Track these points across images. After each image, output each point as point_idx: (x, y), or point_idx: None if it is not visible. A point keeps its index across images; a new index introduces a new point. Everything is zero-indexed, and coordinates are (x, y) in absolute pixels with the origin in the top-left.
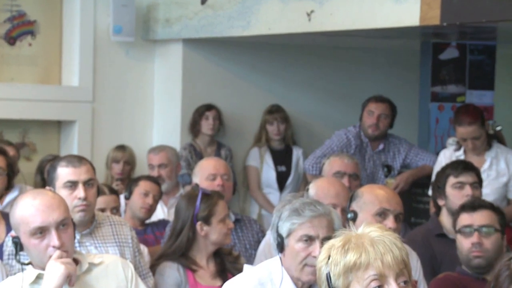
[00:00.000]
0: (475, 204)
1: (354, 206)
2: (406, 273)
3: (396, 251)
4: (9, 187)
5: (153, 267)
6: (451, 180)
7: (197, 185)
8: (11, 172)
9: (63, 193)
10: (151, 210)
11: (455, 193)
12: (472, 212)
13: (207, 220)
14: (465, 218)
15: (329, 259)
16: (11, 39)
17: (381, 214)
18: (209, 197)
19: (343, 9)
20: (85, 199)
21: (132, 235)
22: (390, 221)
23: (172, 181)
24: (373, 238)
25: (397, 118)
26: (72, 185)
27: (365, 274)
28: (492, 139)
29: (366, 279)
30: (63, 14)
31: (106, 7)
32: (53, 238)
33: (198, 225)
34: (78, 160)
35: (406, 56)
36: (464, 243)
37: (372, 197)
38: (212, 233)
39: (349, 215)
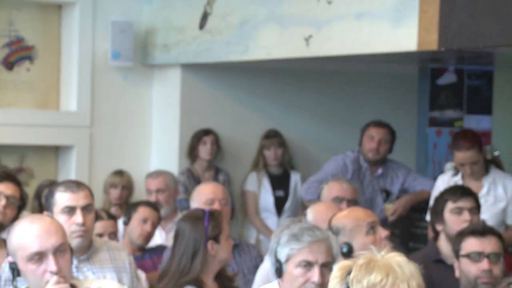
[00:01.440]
0: (485, 230)
1: (344, 238)
2: None
3: (419, 279)
4: (17, 218)
5: None
6: (450, 205)
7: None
8: (23, 204)
9: (61, 218)
10: (149, 237)
11: (454, 218)
12: (482, 238)
13: (216, 239)
14: (474, 244)
15: (348, 275)
16: (9, 64)
17: (371, 229)
18: (215, 215)
19: (341, 34)
20: (83, 224)
21: (130, 260)
22: (381, 231)
23: (170, 206)
24: (399, 261)
25: (395, 143)
26: (70, 210)
27: None
28: (490, 164)
29: None
30: (61, 39)
31: (104, 32)
32: (50, 264)
33: (209, 244)
34: (76, 185)
35: (404, 81)
36: (472, 269)
37: (354, 221)
38: (221, 251)
39: (344, 250)
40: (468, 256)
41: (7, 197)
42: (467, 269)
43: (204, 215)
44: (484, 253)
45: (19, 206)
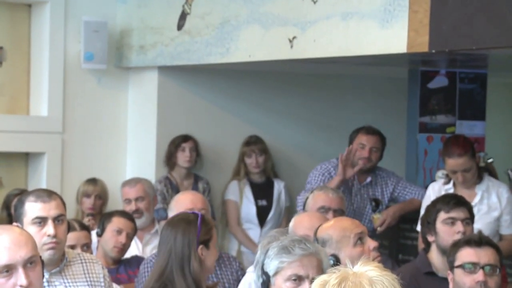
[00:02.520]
0: (481, 240)
1: (330, 250)
2: None
3: None
4: None
5: None
6: (442, 215)
7: (201, 214)
8: None
9: (32, 229)
10: (124, 249)
11: (446, 229)
12: (477, 248)
13: (206, 244)
14: (469, 254)
15: None
16: None
17: (359, 240)
18: (207, 220)
19: (327, 35)
20: (54, 236)
21: (104, 273)
22: (370, 242)
23: (150, 215)
24: (371, 278)
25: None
26: (41, 221)
27: None
28: (483, 171)
29: None
30: (31, 40)
31: (76, 33)
32: (20, 277)
33: (200, 249)
34: (47, 194)
35: (393, 84)
36: (466, 280)
37: (341, 232)
38: (208, 259)
39: (331, 262)
40: (462, 267)
41: None
42: (461, 280)
43: (197, 218)
44: (480, 264)
45: None
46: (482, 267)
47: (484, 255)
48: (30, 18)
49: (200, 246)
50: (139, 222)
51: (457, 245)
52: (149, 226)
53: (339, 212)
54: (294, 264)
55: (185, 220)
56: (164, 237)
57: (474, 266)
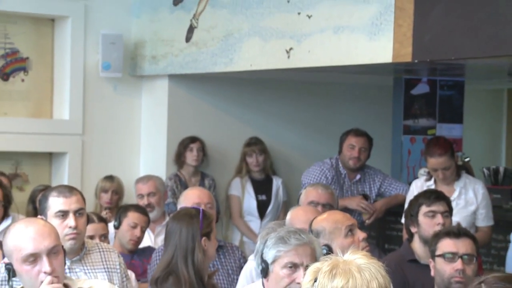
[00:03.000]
0: (460, 232)
1: (324, 241)
2: None
3: (380, 279)
4: (4, 216)
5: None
6: (424, 209)
7: (202, 209)
8: (7, 202)
9: (55, 222)
10: (138, 241)
11: (427, 221)
12: (456, 239)
13: (208, 236)
14: (449, 244)
15: (315, 281)
16: (5, 75)
17: (350, 232)
18: (207, 214)
19: (320, 47)
20: (75, 227)
21: (120, 261)
22: (359, 233)
23: (161, 208)
24: (360, 265)
25: (372, 150)
26: (63, 214)
27: None
28: (461, 169)
29: None
30: (54, 51)
31: (95, 44)
32: (44, 264)
33: (203, 240)
34: (68, 190)
35: (379, 91)
36: (447, 268)
37: (333, 224)
38: (210, 249)
39: (324, 251)
40: (443, 256)
41: None
42: (441, 268)
43: (198, 213)
44: (458, 253)
45: (4, 206)
46: (461, 256)
47: (462, 246)
48: (53, 32)
49: (203, 238)
50: (151, 215)
51: (438, 236)
52: (160, 218)
53: (327, 206)
54: (290, 253)
55: (188, 215)
56: (170, 231)
57: (453, 256)
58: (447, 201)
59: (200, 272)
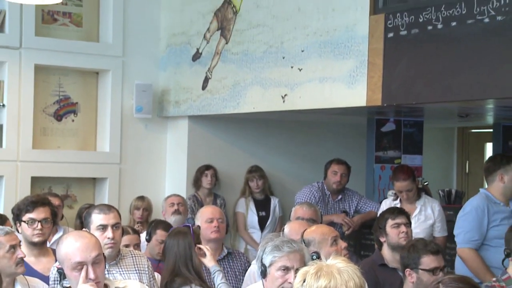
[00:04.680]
0: (439, 249)
1: (313, 248)
2: None
3: (356, 279)
4: (53, 228)
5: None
6: (390, 221)
7: (198, 226)
8: (55, 217)
9: (96, 233)
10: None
11: (393, 231)
12: (436, 256)
13: (198, 244)
14: (432, 260)
15: (304, 282)
16: (59, 117)
17: (334, 241)
18: (195, 230)
19: (309, 93)
20: (112, 238)
21: (148, 265)
22: (341, 243)
23: (185, 216)
24: (339, 268)
25: (350, 175)
26: (103, 228)
27: None
28: (421, 191)
29: None
30: (98, 98)
31: (130, 92)
32: (89, 272)
33: (196, 249)
34: (107, 208)
35: (356, 128)
36: (431, 279)
37: (321, 235)
38: (200, 254)
39: (314, 257)
40: (428, 270)
41: (40, 221)
42: (428, 280)
43: (189, 228)
44: (440, 267)
45: (53, 220)
46: (441, 269)
47: (440, 260)
48: (98, 82)
49: (196, 247)
50: (178, 218)
51: (418, 252)
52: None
53: (310, 221)
54: (283, 258)
55: (182, 232)
56: (168, 246)
57: (436, 270)
58: (406, 215)
59: (199, 273)
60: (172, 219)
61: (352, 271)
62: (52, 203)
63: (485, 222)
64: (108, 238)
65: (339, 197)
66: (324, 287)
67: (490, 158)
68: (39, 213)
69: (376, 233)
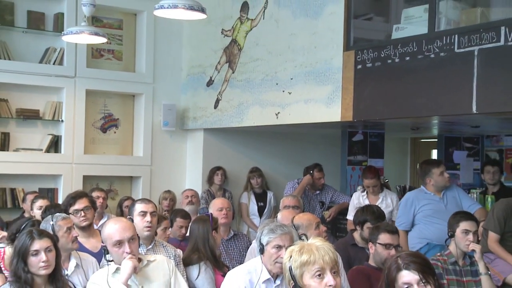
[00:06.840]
0: (394, 230)
1: (302, 231)
2: (337, 267)
3: (331, 254)
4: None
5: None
6: (368, 224)
7: (211, 214)
8: (94, 205)
9: (137, 218)
10: (184, 235)
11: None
12: (392, 235)
13: (216, 230)
14: (388, 238)
15: (291, 257)
16: (104, 129)
17: (317, 226)
18: (214, 218)
19: (296, 111)
20: (150, 222)
21: (175, 253)
22: (322, 227)
23: (197, 205)
24: (317, 246)
25: (327, 175)
26: (143, 214)
27: (312, 267)
28: (383, 186)
29: (313, 270)
30: (134, 115)
31: (159, 110)
32: (126, 247)
33: (213, 233)
34: (147, 200)
35: (332, 138)
36: (385, 253)
37: (307, 221)
38: (218, 238)
39: (302, 238)
40: (384, 245)
41: (82, 210)
42: (382, 252)
43: (209, 217)
44: (393, 244)
45: (93, 207)
46: (395, 247)
47: (396, 239)
48: (134, 103)
49: (213, 231)
50: (192, 207)
51: (379, 229)
52: (194, 214)
53: (295, 208)
54: (277, 238)
55: (203, 219)
56: (192, 228)
57: (389, 246)
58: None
59: (213, 251)
60: (187, 208)
61: (328, 247)
62: (92, 195)
63: (412, 209)
64: (147, 221)
65: (317, 192)
66: (306, 261)
67: (419, 166)
68: (80, 204)
69: (355, 224)
